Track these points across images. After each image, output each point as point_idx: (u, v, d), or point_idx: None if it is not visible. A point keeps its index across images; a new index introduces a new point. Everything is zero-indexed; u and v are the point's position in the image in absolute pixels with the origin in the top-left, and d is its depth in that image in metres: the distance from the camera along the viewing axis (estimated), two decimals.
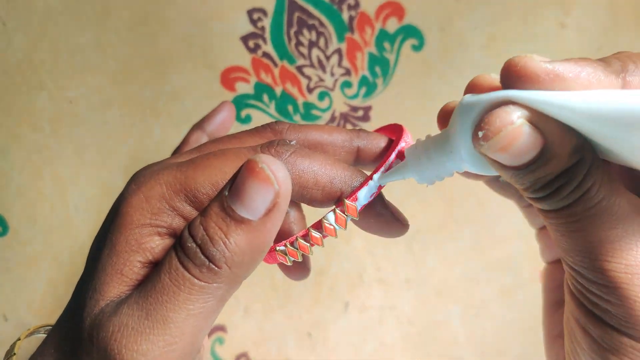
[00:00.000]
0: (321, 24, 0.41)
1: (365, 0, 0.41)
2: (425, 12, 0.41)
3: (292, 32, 0.40)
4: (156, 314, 0.18)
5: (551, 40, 0.43)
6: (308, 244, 0.21)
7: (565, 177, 0.16)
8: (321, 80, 0.41)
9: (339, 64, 0.41)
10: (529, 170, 0.17)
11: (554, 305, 0.24)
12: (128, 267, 0.19)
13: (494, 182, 0.24)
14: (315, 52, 0.41)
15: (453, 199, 0.44)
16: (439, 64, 0.42)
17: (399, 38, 0.41)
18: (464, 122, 0.17)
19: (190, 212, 0.20)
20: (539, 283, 0.27)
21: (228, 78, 0.41)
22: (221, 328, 0.44)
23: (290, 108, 0.41)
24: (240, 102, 0.41)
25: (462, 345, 0.45)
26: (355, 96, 0.42)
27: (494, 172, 0.18)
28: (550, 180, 0.17)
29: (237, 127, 0.41)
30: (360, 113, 0.42)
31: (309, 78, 0.41)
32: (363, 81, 0.42)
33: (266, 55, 0.41)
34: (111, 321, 0.18)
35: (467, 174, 0.22)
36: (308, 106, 0.42)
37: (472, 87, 0.19)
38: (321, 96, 0.42)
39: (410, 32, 0.41)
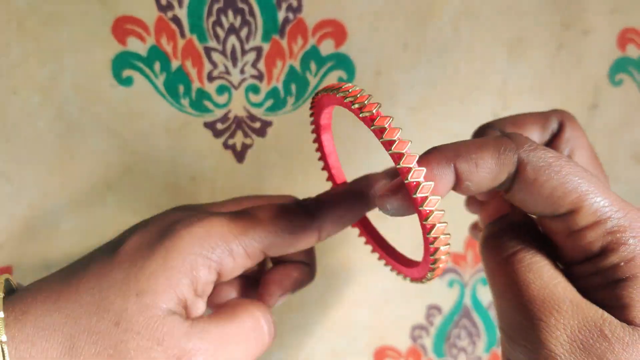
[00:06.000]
0: (251, 12, 0.35)
1: (309, 7, 0.35)
2: (368, 48, 0.37)
3: (215, 7, 0.34)
4: (225, 354, 0.22)
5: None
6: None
7: None
8: (227, 72, 0.36)
9: (254, 65, 0.36)
10: None
11: None
12: (180, 287, 0.21)
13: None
14: (232, 40, 0.35)
15: None
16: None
17: (329, 64, 0.37)
18: None
19: (240, 255, 0.23)
20: None
21: (122, 28, 0.34)
22: None
23: (181, 89, 0.35)
24: (125, 60, 0.34)
25: None
26: (259, 105, 0.37)
27: None
28: None
29: (115, 88, 0.35)
30: (257, 125, 0.37)
31: (214, 65, 0.35)
32: (273, 93, 0.36)
33: (176, 20, 0.34)
34: (190, 337, 0.21)
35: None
36: (202, 94, 0.36)
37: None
38: (221, 90, 0.36)
39: (343, 62, 0.37)
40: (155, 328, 0.20)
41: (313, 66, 0.36)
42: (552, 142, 0.24)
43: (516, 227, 0.22)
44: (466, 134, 0.41)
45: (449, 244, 0.20)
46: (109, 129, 0.35)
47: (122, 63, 0.34)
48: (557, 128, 0.24)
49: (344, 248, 0.40)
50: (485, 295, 0.43)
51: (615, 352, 0.18)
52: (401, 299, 0.42)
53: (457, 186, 0.20)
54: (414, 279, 0.25)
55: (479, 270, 0.43)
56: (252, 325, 0.23)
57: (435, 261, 0.20)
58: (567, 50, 0.40)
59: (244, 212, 0.24)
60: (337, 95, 0.21)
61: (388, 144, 0.19)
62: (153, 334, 0.20)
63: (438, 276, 0.22)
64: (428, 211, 0.19)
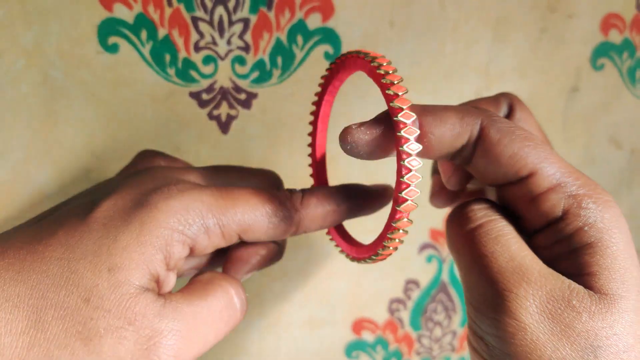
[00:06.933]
0: None
1: None
2: (355, 23, 0.37)
3: None
4: (197, 334, 0.21)
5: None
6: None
7: None
8: (214, 43, 0.36)
9: (240, 36, 0.36)
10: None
11: None
12: (153, 264, 0.20)
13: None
14: (220, 10, 0.35)
15: None
16: (345, 82, 0.38)
17: (316, 38, 0.37)
18: None
19: (216, 235, 0.23)
20: None
21: None
22: None
23: (167, 58, 0.35)
24: (111, 27, 0.34)
25: None
26: (245, 77, 0.37)
27: None
28: None
29: (101, 54, 0.35)
30: (243, 96, 0.37)
31: (201, 35, 0.35)
32: (259, 65, 0.37)
33: None
34: (163, 318, 0.20)
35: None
36: (188, 64, 0.36)
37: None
38: (207, 60, 0.36)
39: (330, 37, 0.37)
40: (127, 307, 0.19)
41: (300, 39, 0.37)
42: None
43: (479, 202, 0.22)
44: None
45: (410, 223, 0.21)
46: (94, 95, 0.35)
47: (108, 29, 0.34)
48: (508, 110, 0.25)
49: None
50: None
51: (583, 321, 0.18)
52: (380, 272, 0.43)
53: (420, 138, 0.21)
54: (357, 258, 0.25)
55: None
56: (225, 304, 0.23)
57: (393, 231, 0.21)
58: (551, 33, 0.40)
59: (226, 189, 0.24)
60: (365, 59, 0.23)
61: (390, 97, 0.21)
62: (124, 313, 0.19)
63: (385, 257, 0.22)
64: (408, 167, 0.20)
